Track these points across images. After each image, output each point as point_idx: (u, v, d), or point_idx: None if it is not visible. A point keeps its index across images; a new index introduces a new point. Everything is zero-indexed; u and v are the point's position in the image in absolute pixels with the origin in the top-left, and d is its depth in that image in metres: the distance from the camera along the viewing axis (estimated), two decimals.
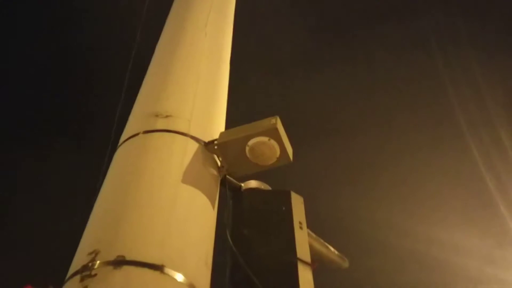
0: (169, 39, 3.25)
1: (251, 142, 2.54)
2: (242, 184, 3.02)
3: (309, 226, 3.15)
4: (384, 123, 10.20)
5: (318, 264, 3.11)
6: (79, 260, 2.03)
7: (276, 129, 2.50)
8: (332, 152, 9.81)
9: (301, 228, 2.81)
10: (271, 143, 2.54)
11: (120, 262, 1.93)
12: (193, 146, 2.52)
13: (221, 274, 2.70)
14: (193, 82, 2.86)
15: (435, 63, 9.97)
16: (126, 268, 1.92)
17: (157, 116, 2.60)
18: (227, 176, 2.83)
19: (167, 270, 1.96)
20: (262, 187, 3.04)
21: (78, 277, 1.94)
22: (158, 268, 1.95)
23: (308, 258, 2.69)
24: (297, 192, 2.96)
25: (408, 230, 9.13)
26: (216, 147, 2.58)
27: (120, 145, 2.57)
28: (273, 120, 2.54)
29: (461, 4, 10.03)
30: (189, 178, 2.35)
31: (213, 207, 2.46)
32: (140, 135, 2.51)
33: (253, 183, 3.04)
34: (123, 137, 2.60)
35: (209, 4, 3.54)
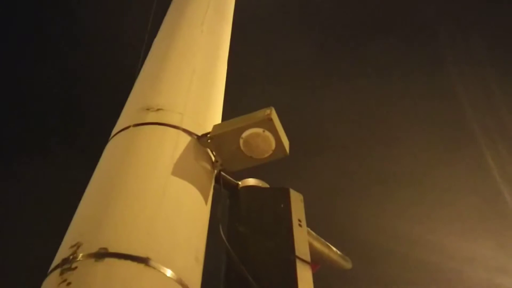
0: (165, 36, 3.20)
1: (245, 134, 2.44)
2: (240, 182, 2.92)
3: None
4: (399, 135, 10.06)
5: (320, 265, 2.98)
6: (60, 254, 1.93)
7: (271, 120, 2.40)
8: (350, 165, 9.71)
9: (300, 226, 2.69)
10: (265, 134, 2.43)
11: (102, 255, 1.83)
12: (185, 139, 2.42)
13: (217, 273, 2.59)
14: (187, 77, 2.78)
15: (448, 73, 9.85)
16: (108, 261, 1.81)
17: (148, 109, 2.52)
18: (223, 174, 2.74)
19: (153, 263, 1.85)
20: (260, 185, 2.93)
21: (58, 271, 1.84)
22: (142, 260, 1.84)
23: (307, 257, 2.56)
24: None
25: (422, 240, 8.96)
26: (209, 140, 2.48)
27: (110, 139, 2.49)
28: (267, 111, 2.43)
29: (477, 19, 9.93)
30: (179, 170, 2.25)
31: (206, 202, 2.35)
32: (130, 128, 2.43)
33: (250, 181, 2.94)
34: (114, 131, 2.52)
35: (206, 3, 3.48)
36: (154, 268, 1.85)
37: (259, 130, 2.43)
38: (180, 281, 1.90)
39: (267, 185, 2.95)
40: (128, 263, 1.82)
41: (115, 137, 2.45)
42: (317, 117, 9.78)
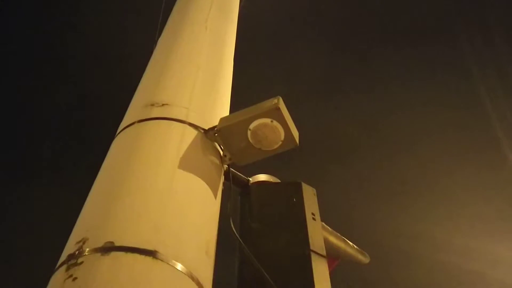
0: (169, 34, 3.17)
1: (253, 125, 2.37)
2: (250, 179, 2.86)
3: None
4: (421, 138, 9.91)
5: (340, 260, 2.89)
6: (67, 250, 1.88)
7: (279, 109, 2.33)
8: (370, 170, 9.62)
9: (314, 219, 2.61)
10: (274, 125, 2.36)
11: (108, 249, 1.77)
12: (191, 133, 2.37)
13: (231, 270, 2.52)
14: (191, 73, 2.73)
15: (468, 75, 9.70)
16: (115, 254, 1.75)
17: (153, 105, 2.47)
18: (233, 171, 2.68)
19: (161, 256, 1.79)
20: (271, 180, 2.86)
21: (64, 266, 1.78)
22: (150, 253, 1.78)
23: (322, 251, 2.48)
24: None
25: (444, 242, 8.79)
26: (216, 134, 2.42)
27: (115, 137, 2.44)
28: (275, 100, 2.37)
29: (498, 18, 9.76)
30: (186, 164, 2.19)
31: (215, 196, 2.28)
32: (135, 124, 2.38)
33: (262, 177, 2.87)
34: (119, 129, 2.48)
35: (209, 1, 3.46)
36: (162, 261, 1.79)
37: (267, 120, 2.36)
38: (190, 275, 1.84)
39: (278, 181, 2.88)
40: (135, 256, 1.75)
41: (120, 134, 2.41)
42: (338, 124, 9.71)
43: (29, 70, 9.40)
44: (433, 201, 9.36)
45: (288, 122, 2.38)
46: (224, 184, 2.56)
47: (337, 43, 10.24)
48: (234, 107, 3.01)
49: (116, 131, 2.55)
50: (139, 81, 2.95)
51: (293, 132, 2.41)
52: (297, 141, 2.44)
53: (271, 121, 2.36)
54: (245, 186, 2.81)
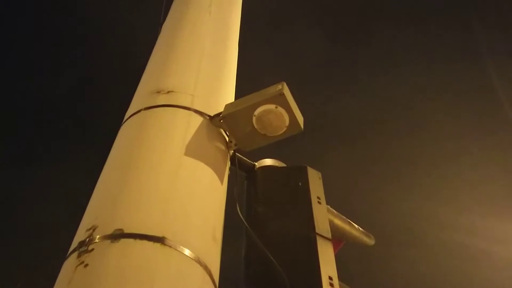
0: (172, 21, 3.17)
1: (258, 111, 2.39)
2: (256, 163, 2.89)
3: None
4: (428, 117, 9.84)
5: (344, 242, 2.93)
6: (77, 237, 1.93)
7: (283, 95, 2.35)
8: (377, 150, 9.61)
9: (319, 203, 2.64)
10: (278, 111, 2.38)
11: (117, 236, 1.82)
12: (197, 119, 2.39)
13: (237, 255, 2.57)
14: (196, 58, 2.75)
15: (475, 50, 9.55)
16: (124, 241, 1.80)
17: (158, 92, 2.49)
18: (239, 155, 2.71)
19: (169, 242, 1.83)
20: (277, 164, 2.89)
21: (75, 253, 1.83)
22: (158, 240, 1.82)
23: (328, 234, 2.52)
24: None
25: (451, 221, 8.82)
26: (221, 120, 2.44)
27: (122, 124, 2.48)
28: (279, 86, 2.38)
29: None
30: (192, 151, 2.22)
31: (221, 182, 2.32)
32: (141, 112, 2.41)
33: (267, 161, 2.90)
34: (126, 116, 2.51)
35: None
36: (170, 247, 1.83)
37: (271, 106, 2.38)
38: (197, 260, 1.88)
39: (284, 165, 2.91)
40: (144, 242, 1.80)
41: (127, 121, 2.44)
42: (343, 104, 9.67)
43: (33, 51, 9.41)
44: (440, 181, 9.38)
45: (292, 107, 2.39)
46: (230, 169, 2.59)
47: (343, 24, 10.15)
48: (238, 92, 3.03)
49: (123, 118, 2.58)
50: (145, 66, 2.97)
51: (297, 118, 2.42)
52: (302, 126, 2.46)
53: (276, 107, 2.38)
54: (250, 171, 2.84)
